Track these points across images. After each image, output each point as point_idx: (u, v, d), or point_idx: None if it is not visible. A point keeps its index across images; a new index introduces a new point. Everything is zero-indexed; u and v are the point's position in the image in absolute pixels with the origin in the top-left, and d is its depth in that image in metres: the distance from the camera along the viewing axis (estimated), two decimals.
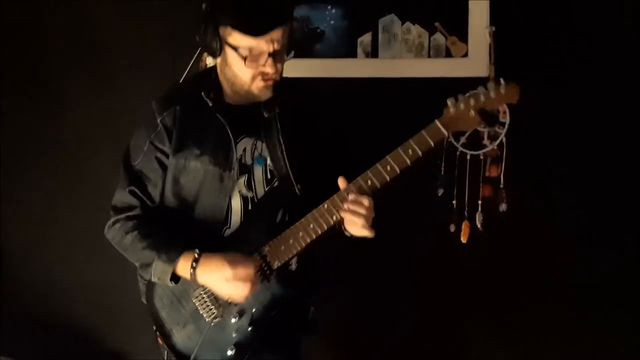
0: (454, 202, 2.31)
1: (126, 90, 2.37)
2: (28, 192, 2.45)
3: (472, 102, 1.66)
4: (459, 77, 2.31)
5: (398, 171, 1.67)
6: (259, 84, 1.71)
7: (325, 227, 1.72)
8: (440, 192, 2.30)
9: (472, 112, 1.66)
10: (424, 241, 2.38)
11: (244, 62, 1.67)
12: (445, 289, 2.40)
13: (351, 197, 1.68)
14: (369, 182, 1.69)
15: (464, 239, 2.32)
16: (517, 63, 2.30)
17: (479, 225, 2.30)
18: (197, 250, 1.71)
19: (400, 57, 2.35)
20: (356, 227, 1.70)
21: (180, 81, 1.90)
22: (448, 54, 2.34)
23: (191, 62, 2.12)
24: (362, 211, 1.67)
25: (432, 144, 1.67)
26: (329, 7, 2.35)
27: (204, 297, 1.76)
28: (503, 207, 2.28)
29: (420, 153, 1.67)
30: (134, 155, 1.81)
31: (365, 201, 1.67)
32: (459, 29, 2.32)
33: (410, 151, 1.67)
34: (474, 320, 2.41)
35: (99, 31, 2.41)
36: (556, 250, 2.36)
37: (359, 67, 2.35)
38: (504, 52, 2.30)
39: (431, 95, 2.27)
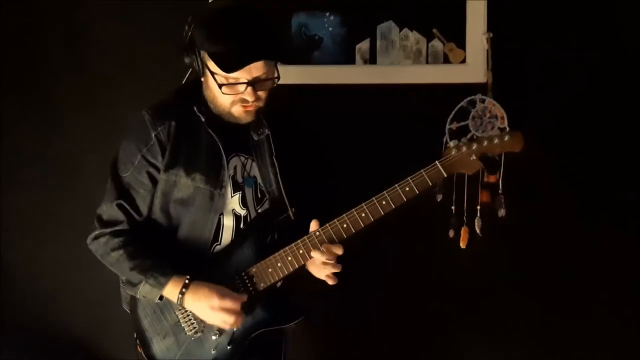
0: (453, 207, 2.31)
1: (126, 101, 2.37)
2: (26, 202, 2.45)
3: (474, 146, 1.69)
4: (456, 83, 2.31)
5: (393, 206, 1.71)
6: (238, 109, 1.71)
7: None
8: (439, 197, 2.30)
9: (474, 157, 1.69)
10: (423, 247, 2.38)
11: (220, 89, 1.66)
12: (444, 294, 2.40)
13: (325, 246, 1.73)
14: (363, 214, 1.72)
15: (463, 245, 2.32)
16: (514, 69, 2.30)
17: (477, 231, 2.30)
18: (187, 277, 1.72)
19: (398, 64, 2.35)
20: (321, 272, 1.76)
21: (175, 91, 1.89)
22: (446, 60, 2.34)
23: (187, 73, 2.12)
24: (333, 261, 1.74)
25: (430, 184, 1.71)
26: (327, 15, 2.35)
27: (187, 311, 1.77)
28: (502, 212, 2.28)
29: (417, 191, 1.72)
30: (122, 167, 1.79)
31: (339, 251, 1.73)
32: (457, 36, 2.32)
33: (407, 188, 1.72)
34: (473, 326, 2.40)
35: (93, 40, 2.41)
36: (555, 255, 2.36)
37: (357, 73, 2.35)
38: (501, 58, 2.30)
39: (429, 101, 2.32)
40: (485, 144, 1.70)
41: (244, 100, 1.69)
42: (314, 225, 1.74)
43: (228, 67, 1.62)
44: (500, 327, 2.40)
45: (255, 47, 1.62)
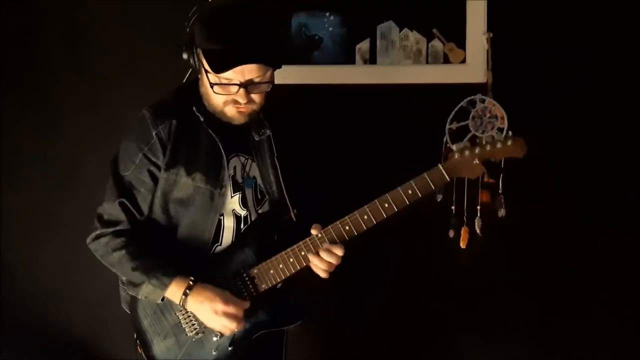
0: (453, 207, 2.30)
1: (126, 101, 2.36)
2: (26, 202, 2.45)
3: (477, 151, 1.69)
4: (457, 83, 2.31)
5: (396, 209, 1.71)
6: (231, 109, 1.70)
7: None
8: (439, 197, 2.30)
9: (477, 161, 1.70)
10: (423, 247, 2.38)
11: (212, 88, 1.65)
12: (444, 294, 2.40)
13: (326, 246, 1.72)
14: (365, 216, 1.71)
15: (463, 245, 2.31)
16: (514, 69, 2.30)
17: (478, 231, 2.30)
18: (191, 278, 1.71)
19: (398, 64, 2.35)
20: (320, 271, 1.75)
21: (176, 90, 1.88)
22: (446, 60, 2.34)
23: (187, 73, 2.12)
24: (334, 261, 1.73)
25: (433, 187, 1.71)
26: (327, 15, 2.35)
27: (187, 312, 1.76)
28: (502, 212, 2.28)
29: (419, 195, 1.72)
30: (123, 166, 1.77)
31: (340, 251, 1.72)
32: (457, 36, 2.32)
33: (410, 191, 1.71)
34: (473, 326, 2.40)
35: (93, 40, 2.40)
36: (555, 255, 2.36)
37: (357, 73, 2.35)
38: (501, 58, 2.29)
39: (429, 101, 2.32)
40: (489, 148, 1.70)
41: (236, 102, 1.67)
42: (314, 232, 1.74)
43: (217, 67, 1.61)
44: (500, 327, 2.40)
45: (246, 50, 1.60)
